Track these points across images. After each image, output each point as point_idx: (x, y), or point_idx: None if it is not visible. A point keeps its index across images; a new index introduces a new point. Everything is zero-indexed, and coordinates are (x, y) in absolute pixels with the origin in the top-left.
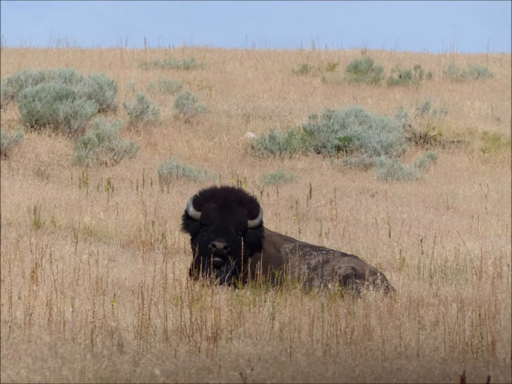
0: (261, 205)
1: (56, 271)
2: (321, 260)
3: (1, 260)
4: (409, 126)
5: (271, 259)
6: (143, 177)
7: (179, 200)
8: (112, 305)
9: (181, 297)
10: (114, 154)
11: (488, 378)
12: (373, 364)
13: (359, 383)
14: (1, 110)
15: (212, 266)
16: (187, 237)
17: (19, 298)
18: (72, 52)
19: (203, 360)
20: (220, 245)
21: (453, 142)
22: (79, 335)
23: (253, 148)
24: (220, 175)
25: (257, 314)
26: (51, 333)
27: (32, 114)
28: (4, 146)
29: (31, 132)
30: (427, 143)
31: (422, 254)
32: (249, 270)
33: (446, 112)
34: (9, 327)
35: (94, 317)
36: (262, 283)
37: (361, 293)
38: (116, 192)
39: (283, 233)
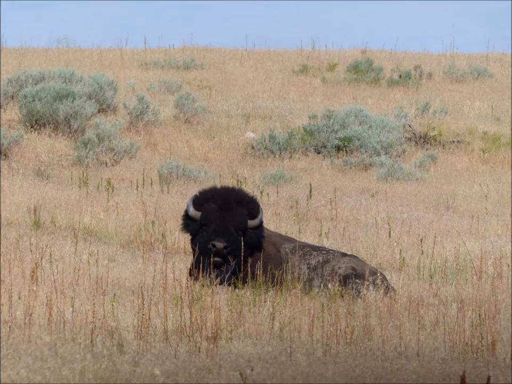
0: (261, 205)
1: (56, 271)
2: (321, 260)
3: (1, 259)
4: (409, 126)
5: (271, 259)
6: (143, 177)
7: (179, 200)
8: (112, 305)
9: (181, 297)
10: (114, 154)
11: (488, 378)
12: (373, 364)
13: (359, 383)
14: (1, 110)
15: (211, 266)
16: (187, 237)
17: (19, 298)
18: (72, 52)
19: (203, 360)
20: (220, 245)
21: (453, 142)
22: (79, 335)
23: (253, 148)
24: (220, 175)
25: (257, 314)
26: (51, 333)
27: (32, 114)
28: (4, 146)
29: (31, 132)
30: (427, 143)
31: (422, 254)
32: (249, 270)
33: (446, 112)
34: (9, 327)
35: (94, 317)
36: (262, 283)
37: (361, 293)
38: (116, 192)
39: (283, 233)
